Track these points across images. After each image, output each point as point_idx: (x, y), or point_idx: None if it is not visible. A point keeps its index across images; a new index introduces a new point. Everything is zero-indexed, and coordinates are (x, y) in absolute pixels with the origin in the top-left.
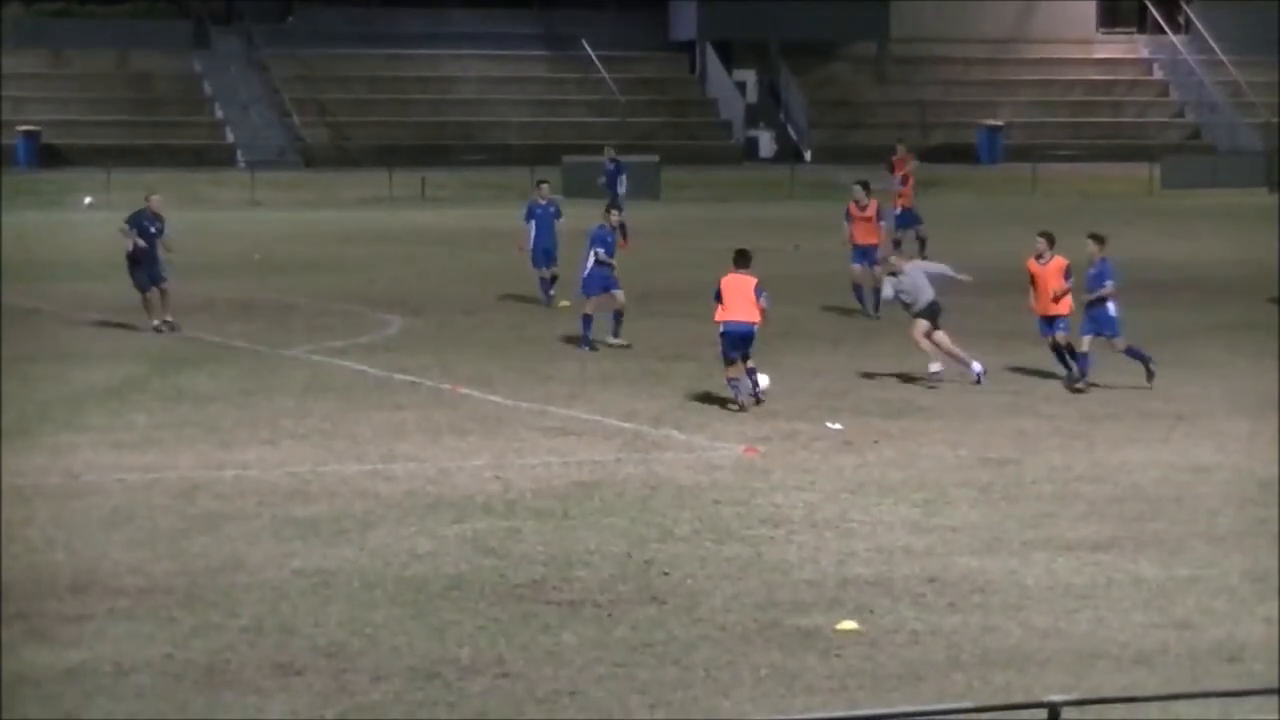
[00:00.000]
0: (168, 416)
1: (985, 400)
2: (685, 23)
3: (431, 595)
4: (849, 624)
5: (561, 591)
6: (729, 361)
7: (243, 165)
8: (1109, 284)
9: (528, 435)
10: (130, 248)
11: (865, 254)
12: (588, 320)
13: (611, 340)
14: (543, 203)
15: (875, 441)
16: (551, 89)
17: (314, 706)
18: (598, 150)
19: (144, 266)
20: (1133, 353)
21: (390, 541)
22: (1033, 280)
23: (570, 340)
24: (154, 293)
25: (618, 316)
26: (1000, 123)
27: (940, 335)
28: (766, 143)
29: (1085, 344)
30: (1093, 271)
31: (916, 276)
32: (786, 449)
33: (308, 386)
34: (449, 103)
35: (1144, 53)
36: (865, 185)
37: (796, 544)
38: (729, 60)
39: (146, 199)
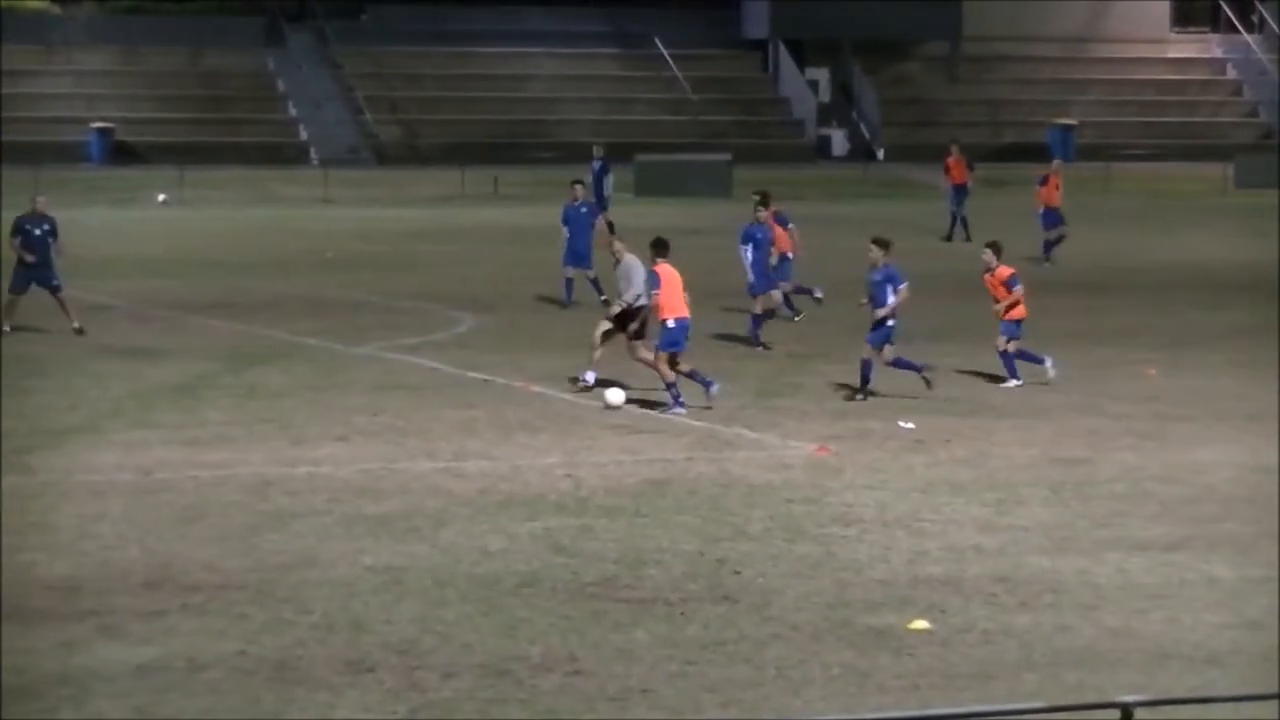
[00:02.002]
0: (240, 413)
1: (1056, 400)
2: (758, 21)
3: (503, 593)
4: (921, 623)
5: (633, 589)
6: (675, 361)
7: (315, 163)
8: (902, 287)
9: (599, 433)
10: (29, 258)
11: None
12: (758, 320)
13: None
14: (576, 203)
15: (946, 440)
16: (623, 87)
17: (385, 703)
18: (671, 148)
19: (30, 269)
20: (901, 364)
21: (462, 539)
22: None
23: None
24: (23, 298)
25: (766, 316)
26: (1072, 122)
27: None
28: (839, 141)
29: (867, 350)
30: (877, 278)
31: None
32: (858, 448)
33: (379, 384)
34: (521, 100)
35: (1217, 52)
36: (763, 194)
37: (868, 543)
38: (801, 58)
39: (33, 200)
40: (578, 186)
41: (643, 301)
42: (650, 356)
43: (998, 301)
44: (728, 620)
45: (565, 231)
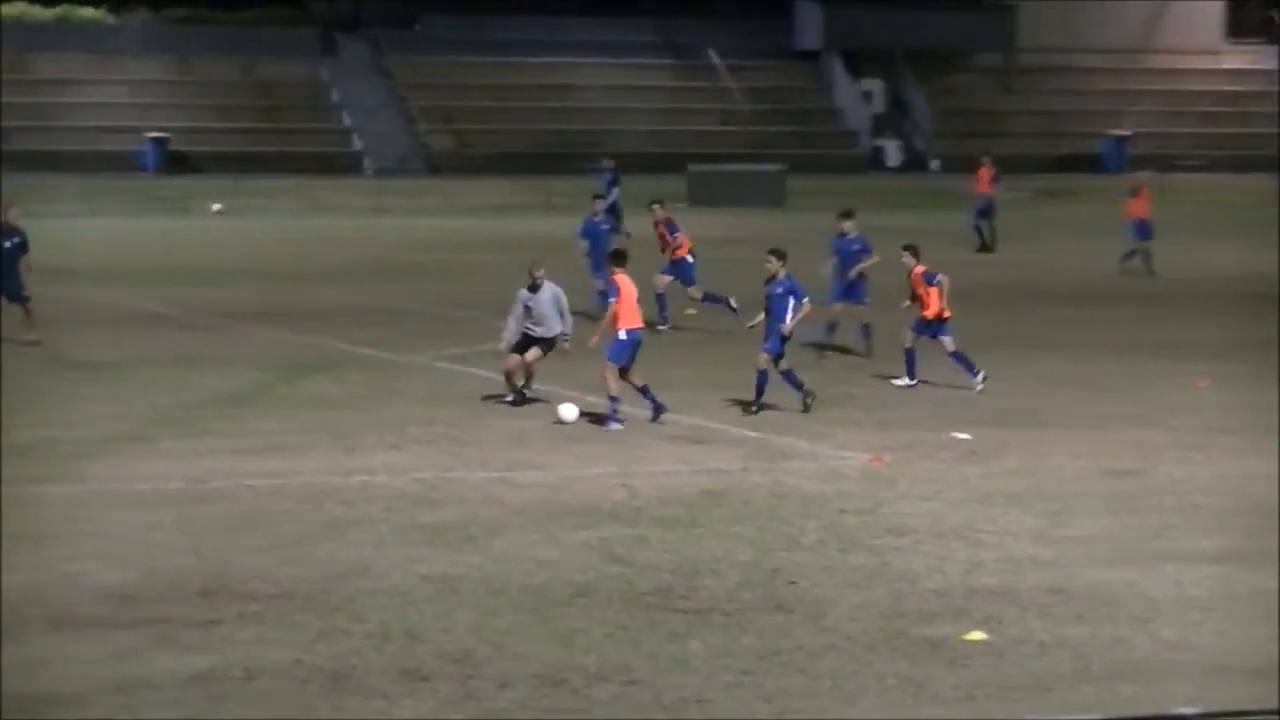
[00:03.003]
0: (293, 422)
1: (1107, 411)
2: (811, 32)
3: (558, 602)
4: (976, 634)
5: (688, 599)
6: (624, 372)
7: (368, 172)
8: (805, 301)
9: (653, 443)
10: None
11: (678, 268)
12: (831, 327)
13: (861, 349)
14: (597, 218)
15: (999, 451)
16: (676, 97)
17: (440, 712)
18: (723, 159)
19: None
20: (789, 378)
21: (516, 548)
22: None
23: (694, 339)
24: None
25: (865, 330)
26: (1126, 133)
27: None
28: (892, 152)
29: (762, 361)
30: (777, 290)
31: (548, 304)
32: (911, 458)
33: (432, 393)
34: (573, 110)
35: (1272, 63)
36: (660, 203)
37: (922, 553)
38: (854, 69)
39: (4, 211)
40: (598, 201)
41: (554, 333)
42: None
43: (915, 300)
44: (782, 630)
45: (585, 245)
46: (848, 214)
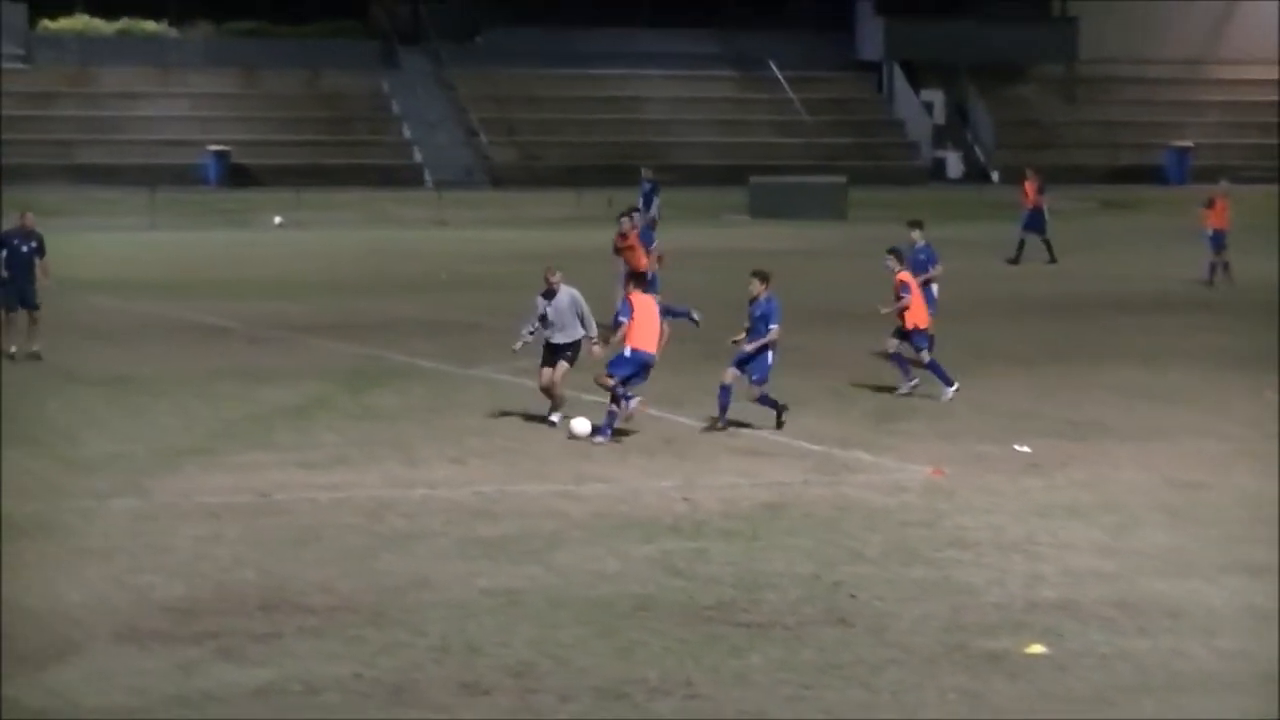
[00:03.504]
0: (356, 435)
1: (1173, 421)
2: (872, 43)
3: (619, 616)
4: (1037, 647)
5: (749, 613)
6: (625, 382)
7: (430, 184)
8: (774, 328)
9: (716, 456)
10: (4, 273)
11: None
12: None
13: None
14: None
15: (1062, 463)
16: (738, 109)
17: None
18: (785, 170)
19: (14, 286)
20: (765, 400)
21: (577, 561)
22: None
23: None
24: (19, 315)
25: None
26: (1188, 144)
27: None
28: (954, 163)
29: (729, 376)
30: (757, 312)
31: (566, 309)
32: (973, 471)
33: (494, 405)
34: (635, 122)
35: None
36: (629, 214)
37: (984, 566)
38: (916, 80)
39: (21, 216)
40: (635, 214)
41: (576, 337)
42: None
43: (899, 299)
44: (843, 644)
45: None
46: (916, 224)
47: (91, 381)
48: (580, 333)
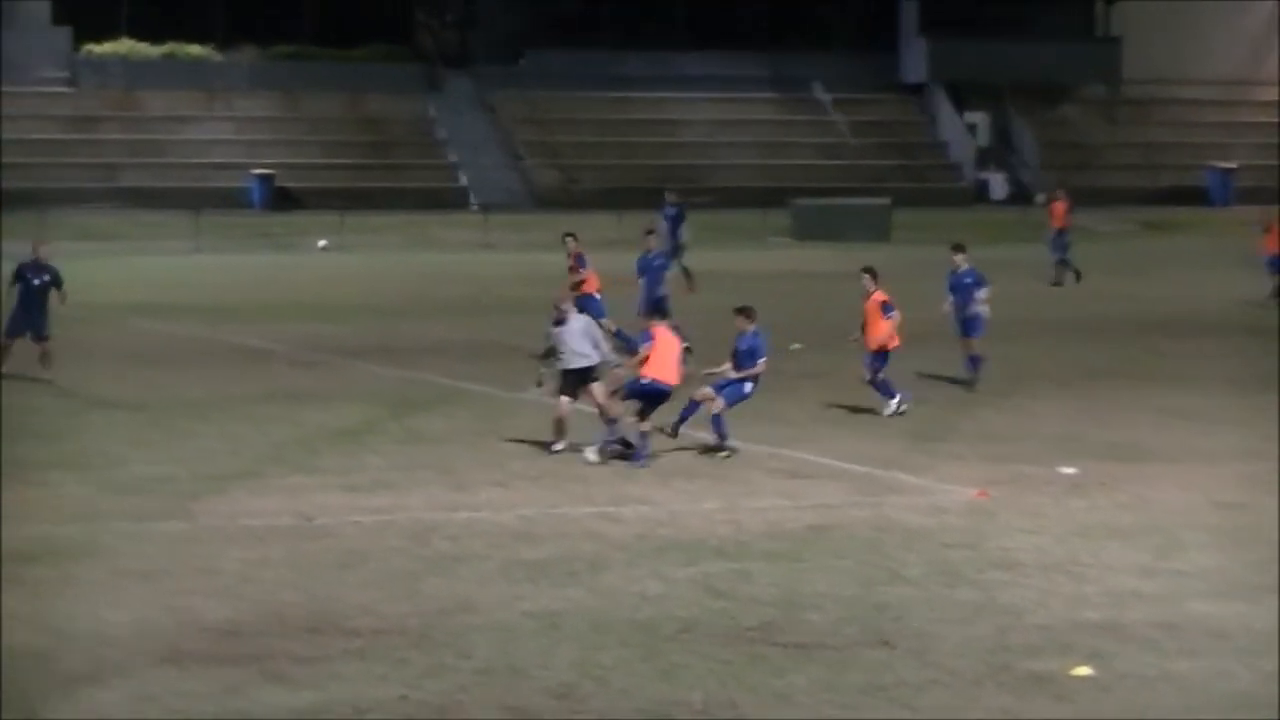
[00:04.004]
0: (401, 459)
1: (1215, 443)
2: (916, 65)
3: (662, 638)
4: (1081, 669)
5: (792, 634)
6: (644, 415)
7: (475, 207)
8: (761, 361)
9: (758, 478)
10: (14, 303)
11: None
12: (975, 360)
13: (969, 381)
14: (650, 254)
15: (1105, 485)
16: (780, 131)
17: None
18: (828, 192)
19: (26, 317)
20: (718, 422)
21: (620, 584)
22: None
23: (805, 378)
24: (17, 342)
25: (973, 363)
26: (1232, 165)
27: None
28: (998, 184)
29: (703, 395)
30: (743, 347)
31: (578, 336)
32: (1016, 492)
33: (538, 429)
34: (678, 145)
35: None
36: (572, 235)
37: (1027, 588)
38: (959, 102)
39: (34, 247)
40: (650, 236)
41: (593, 361)
42: (602, 395)
43: (868, 327)
44: (886, 665)
45: (641, 282)
46: (959, 247)
47: (136, 405)
48: (596, 357)
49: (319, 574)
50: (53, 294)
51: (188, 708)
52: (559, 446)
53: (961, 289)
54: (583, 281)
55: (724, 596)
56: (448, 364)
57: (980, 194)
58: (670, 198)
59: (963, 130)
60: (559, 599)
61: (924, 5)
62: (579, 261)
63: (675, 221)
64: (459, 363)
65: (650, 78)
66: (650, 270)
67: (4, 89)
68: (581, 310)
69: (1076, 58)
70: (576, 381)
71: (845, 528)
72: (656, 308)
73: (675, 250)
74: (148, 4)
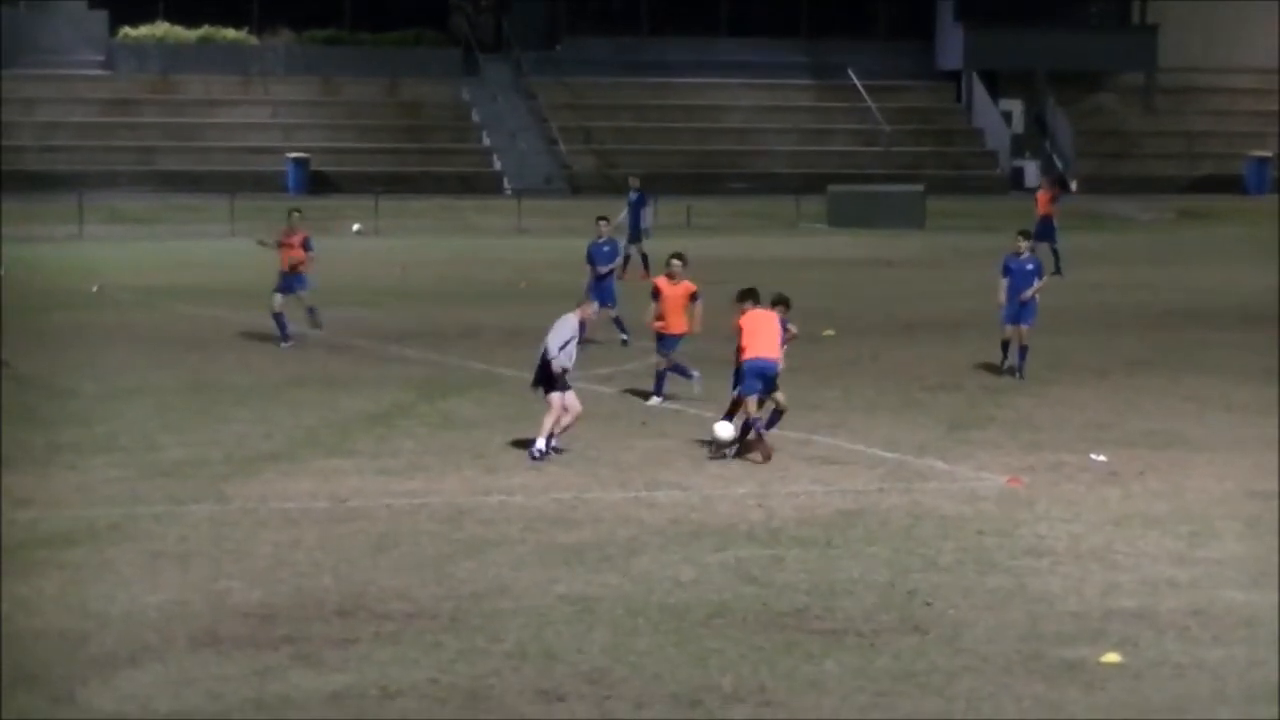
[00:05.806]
0: (434, 442)
1: (1252, 433)
2: (952, 52)
3: (694, 623)
4: (1113, 656)
5: (824, 620)
6: (762, 402)
7: (510, 192)
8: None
9: (791, 464)
10: None
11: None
12: (1012, 347)
13: (1016, 369)
14: (600, 241)
15: (1140, 473)
16: (817, 118)
17: None
18: (864, 179)
19: None
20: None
21: (653, 568)
22: (658, 296)
23: (841, 364)
24: None
25: (1022, 352)
26: (1269, 154)
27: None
28: (1033, 172)
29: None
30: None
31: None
32: (1050, 480)
33: None
34: (715, 131)
35: None
36: (605, 219)
37: (1060, 575)
38: (995, 90)
39: None
40: (601, 223)
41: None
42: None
43: (665, 310)
44: (919, 652)
45: (591, 270)
46: (1025, 234)
47: (171, 388)
48: (551, 355)
49: (352, 557)
50: None
51: (220, 690)
52: (540, 445)
53: (1023, 275)
54: (299, 262)
55: (756, 582)
56: (481, 349)
57: (1015, 181)
58: (634, 183)
59: (998, 118)
60: (592, 583)
61: None
62: (306, 245)
63: (637, 207)
64: (493, 347)
65: (687, 64)
66: (600, 258)
67: (42, 72)
68: (598, 296)
69: (1113, 45)
70: (547, 378)
71: (878, 514)
72: (601, 292)
73: (635, 235)
74: None
